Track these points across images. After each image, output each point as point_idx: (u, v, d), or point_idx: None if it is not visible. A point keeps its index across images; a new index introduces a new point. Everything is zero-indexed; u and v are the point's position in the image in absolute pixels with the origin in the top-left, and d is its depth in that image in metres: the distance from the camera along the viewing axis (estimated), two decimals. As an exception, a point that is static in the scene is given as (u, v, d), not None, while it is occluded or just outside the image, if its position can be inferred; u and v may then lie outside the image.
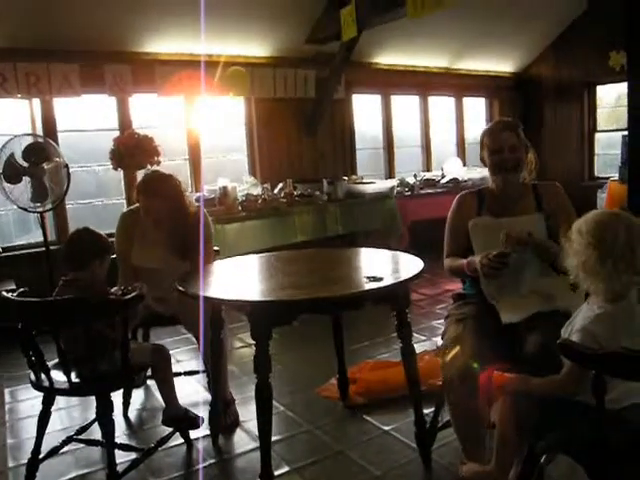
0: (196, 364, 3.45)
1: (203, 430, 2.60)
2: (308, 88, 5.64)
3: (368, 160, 6.62)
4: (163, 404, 2.55)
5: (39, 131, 4.52)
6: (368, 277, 2.11)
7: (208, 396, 2.78)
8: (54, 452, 2.34)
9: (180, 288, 2.24)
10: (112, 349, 2.19)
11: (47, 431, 2.23)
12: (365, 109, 6.55)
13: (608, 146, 7.05)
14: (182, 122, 5.32)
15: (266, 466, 2.09)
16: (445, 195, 5.92)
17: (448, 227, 2.35)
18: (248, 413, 2.75)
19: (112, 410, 2.15)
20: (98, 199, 5.02)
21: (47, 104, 4.60)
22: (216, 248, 3.25)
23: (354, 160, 6.38)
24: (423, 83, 6.73)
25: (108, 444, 2.11)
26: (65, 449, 2.43)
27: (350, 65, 5.61)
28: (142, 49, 4.83)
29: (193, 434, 2.57)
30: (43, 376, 2.16)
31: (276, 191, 5.28)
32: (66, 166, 4.03)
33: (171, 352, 2.56)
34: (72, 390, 2.17)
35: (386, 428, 2.62)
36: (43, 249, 4.16)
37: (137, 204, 2.89)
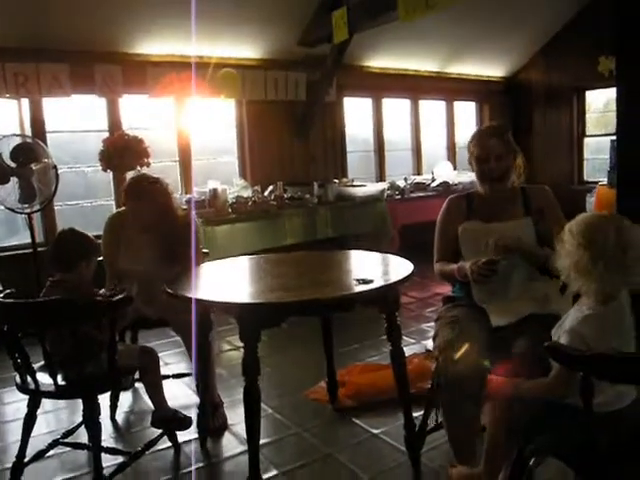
0: (184, 367, 3.43)
1: (191, 433, 2.59)
2: (299, 91, 5.64)
3: (359, 163, 6.63)
4: (151, 407, 2.54)
5: (27, 131, 4.48)
6: (358, 279, 2.11)
7: (196, 399, 2.77)
8: (40, 456, 2.31)
9: (169, 290, 2.22)
10: (99, 351, 2.17)
11: (33, 434, 2.21)
12: (356, 112, 6.56)
13: (597, 151, 7.11)
14: (172, 124, 5.29)
15: (254, 469, 2.08)
16: (435, 199, 5.93)
17: (438, 231, 2.35)
18: (236, 416, 2.73)
19: (99, 413, 2.12)
20: (87, 200, 4.98)
21: (36, 104, 4.56)
22: (205, 250, 3.24)
23: (345, 163, 6.38)
24: (414, 87, 6.76)
25: (95, 447, 2.10)
26: (51, 453, 2.40)
27: (341, 68, 5.62)
28: (133, 50, 4.80)
29: (181, 437, 2.55)
30: (29, 378, 2.13)
31: (266, 194, 5.27)
32: (54, 167, 4.00)
33: (159, 355, 2.53)
34: (58, 393, 2.15)
35: (375, 431, 2.62)
36: (30, 251, 4.12)
37: (124, 207, 2.88)
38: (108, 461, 2.22)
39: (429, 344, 2.22)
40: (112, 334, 2.12)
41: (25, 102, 4.54)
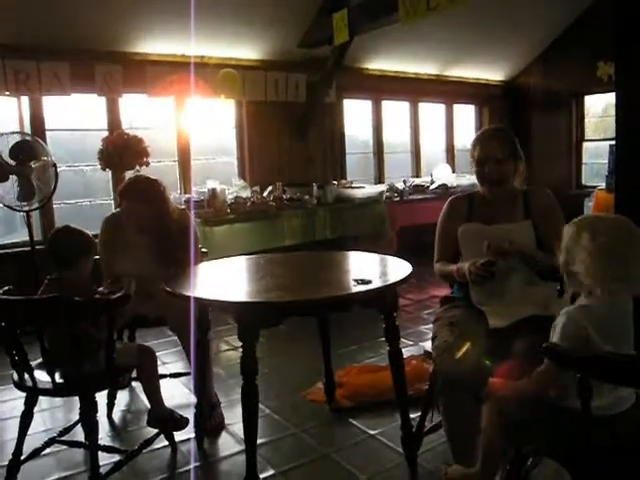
0: (181, 366, 3.43)
1: (188, 432, 2.58)
2: (299, 92, 5.64)
3: (358, 165, 6.64)
4: (148, 406, 2.53)
5: (27, 129, 4.48)
6: (356, 280, 2.11)
7: (194, 398, 2.76)
8: (36, 454, 2.31)
9: (167, 289, 2.22)
10: (97, 349, 2.17)
11: (29, 432, 2.20)
12: (356, 114, 6.57)
13: (596, 155, 7.13)
14: (172, 123, 5.29)
15: (251, 469, 2.07)
16: (434, 201, 5.95)
17: (438, 231, 2.35)
18: (234, 416, 2.74)
19: (96, 411, 2.12)
20: (86, 199, 4.98)
21: (36, 102, 4.56)
22: (204, 250, 3.24)
23: (344, 165, 6.38)
24: (414, 89, 6.77)
25: (91, 446, 2.09)
26: (47, 451, 2.40)
27: (341, 70, 5.63)
28: (133, 49, 4.81)
29: (178, 436, 2.55)
30: (26, 376, 2.13)
31: (265, 194, 5.27)
32: (54, 165, 4.00)
33: (157, 354, 2.53)
34: (56, 390, 2.15)
35: (372, 432, 2.62)
36: (29, 248, 4.12)
37: (119, 208, 2.88)
38: (104, 459, 2.21)
39: (427, 346, 2.22)
40: (110, 332, 2.11)
41: (25, 100, 4.54)
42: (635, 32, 2.89)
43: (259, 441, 2.17)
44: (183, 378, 3.19)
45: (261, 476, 2.19)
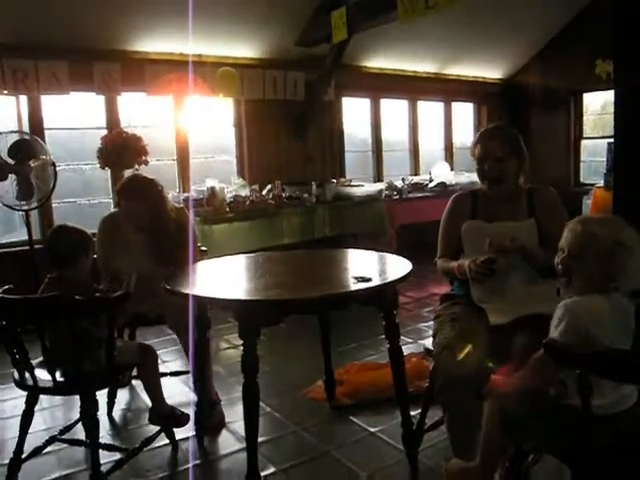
0: (182, 365, 3.43)
1: (188, 431, 2.59)
2: (298, 90, 5.64)
3: (357, 163, 6.64)
4: (148, 404, 2.54)
5: (26, 128, 4.47)
6: (356, 277, 2.11)
7: (194, 397, 2.77)
8: (37, 452, 2.31)
9: (167, 287, 2.22)
10: (98, 348, 2.17)
11: (30, 431, 2.20)
12: (354, 112, 6.56)
13: (594, 153, 7.14)
14: (171, 122, 5.29)
15: (252, 467, 2.07)
16: (433, 199, 5.96)
17: (442, 227, 2.35)
18: (234, 414, 2.74)
19: (96, 410, 2.13)
20: (85, 198, 4.97)
21: (34, 101, 4.56)
22: (204, 248, 3.24)
23: (343, 163, 6.39)
24: (412, 88, 6.77)
25: (92, 444, 2.09)
26: (48, 449, 2.40)
27: (340, 68, 5.63)
28: (132, 48, 4.80)
29: (178, 435, 2.55)
30: (27, 375, 2.13)
31: (264, 193, 5.27)
32: (53, 164, 4.00)
33: (157, 352, 2.53)
34: (56, 389, 2.15)
35: (373, 429, 2.62)
36: (27, 248, 4.12)
37: (117, 208, 2.88)
38: (105, 458, 2.21)
39: (427, 343, 2.22)
40: (110, 330, 2.12)
41: (23, 99, 4.53)
42: (635, 29, 2.89)
43: (260, 439, 2.17)
44: (183, 376, 3.20)
45: (262, 474, 2.19)
